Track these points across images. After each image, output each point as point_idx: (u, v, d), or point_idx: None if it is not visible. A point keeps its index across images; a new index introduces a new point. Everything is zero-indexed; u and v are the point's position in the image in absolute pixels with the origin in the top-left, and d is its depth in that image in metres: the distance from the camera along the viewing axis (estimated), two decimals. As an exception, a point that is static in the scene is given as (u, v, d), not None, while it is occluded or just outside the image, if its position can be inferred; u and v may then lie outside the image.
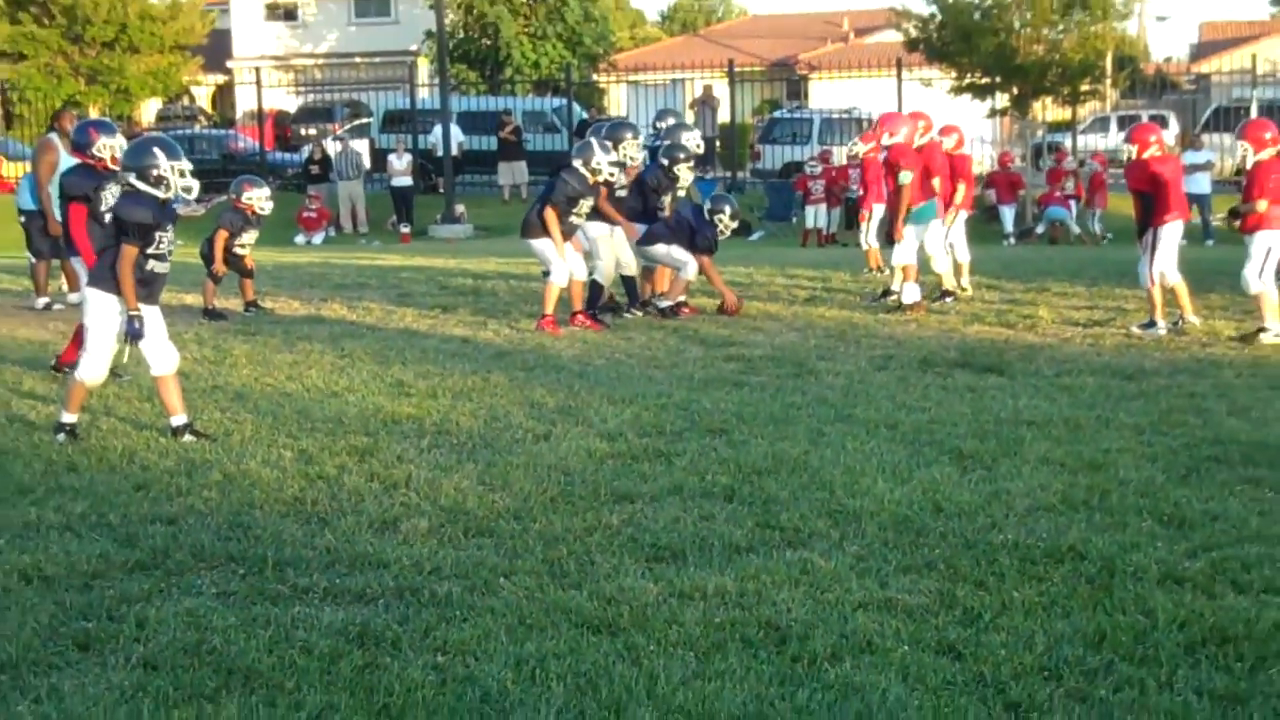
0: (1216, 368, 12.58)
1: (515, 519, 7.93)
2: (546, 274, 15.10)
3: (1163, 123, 47.71)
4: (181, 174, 10.02)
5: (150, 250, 9.98)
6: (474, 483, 8.70)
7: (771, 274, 19.78)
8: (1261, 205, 13.18)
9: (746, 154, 42.07)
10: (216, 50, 62.07)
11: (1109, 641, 6.03)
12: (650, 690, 5.53)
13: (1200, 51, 63.60)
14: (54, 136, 17.20)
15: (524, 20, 51.85)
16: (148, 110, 56.46)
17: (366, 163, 37.04)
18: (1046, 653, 5.92)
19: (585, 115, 43.43)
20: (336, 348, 13.76)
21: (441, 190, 35.79)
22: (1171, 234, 14.70)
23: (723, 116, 44.52)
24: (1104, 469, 8.92)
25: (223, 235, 15.82)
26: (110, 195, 11.75)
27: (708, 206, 16.62)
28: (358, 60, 61.75)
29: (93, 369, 10.11)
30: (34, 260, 17.29)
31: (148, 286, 10.09)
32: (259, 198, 16.15)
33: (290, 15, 66.96)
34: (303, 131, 47.85)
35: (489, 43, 51.93)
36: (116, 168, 11.66)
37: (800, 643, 6.03)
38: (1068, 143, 39.77)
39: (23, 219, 17.37)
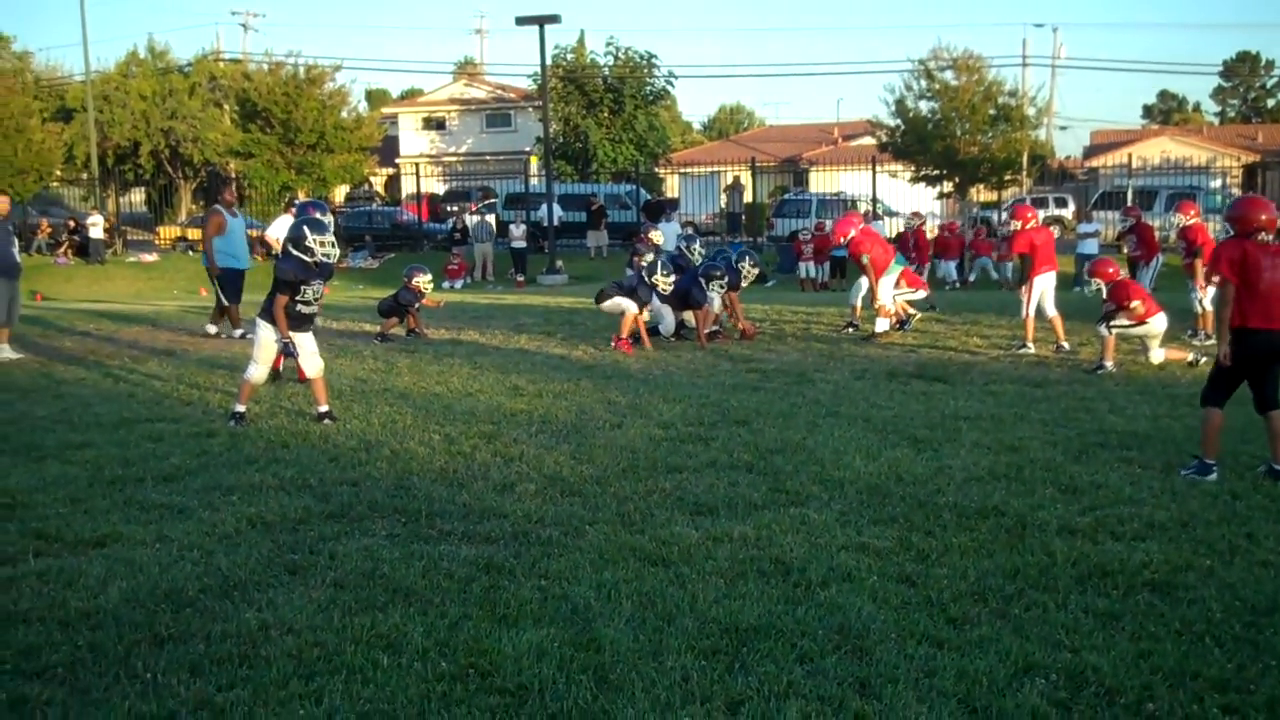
0: (1101, 379, 12.50)
1: (597, 484, 7.94)
2: (623, 313, 15.16)
3: (1063, 203, 47.60)
4: (321, 244, 10.06)
5: (298, 297, 10.12)
6: (568, 458, 8.71)
7: (780, 310, 19.73)
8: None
9: (764, 225, 41.96)
10: (388, 150, 62.64)
11: (1021, 574, 6.01)
12: (692, 606, 5.55)
13: (1091, 151, 63.02)
14: (219, 207, 16.97)
15: (606, 129, 51.83)
16: (339, 194, 56.82)
17: (494, 230, 37.17)
18: (977, 582, 5.90)
19: (649, 197, 43.51)
20: (471, 362, 13.80)
21: (547, 250, 35.85)
22: (1043, 282, 14.71)
23: (747, 198, 44.41)
24: (1019, 451, 8.87)
25: (413, 311, 16.71)
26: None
27: (735, 258, 16.62)
28: (487, 158, 62.07)
29: (257, 373, 10.36)
30: (227, 304, 16.76)
31: (299, 320, 10.23)
32: (424, 281, 16.55)
33: (440, 125, 67.33)
34: (449, 208, 48.00)
35: (580, 145, 51.96)
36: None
37: (800, 573, 6.04)
38: (994, 217, 39.46)
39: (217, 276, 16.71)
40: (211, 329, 16.88)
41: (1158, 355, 13.33)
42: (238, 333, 16.58)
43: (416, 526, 6.96)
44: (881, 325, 16.10)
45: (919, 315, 17.56)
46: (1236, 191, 43.69)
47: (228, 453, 9.00)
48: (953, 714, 4.54)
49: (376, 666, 4.91)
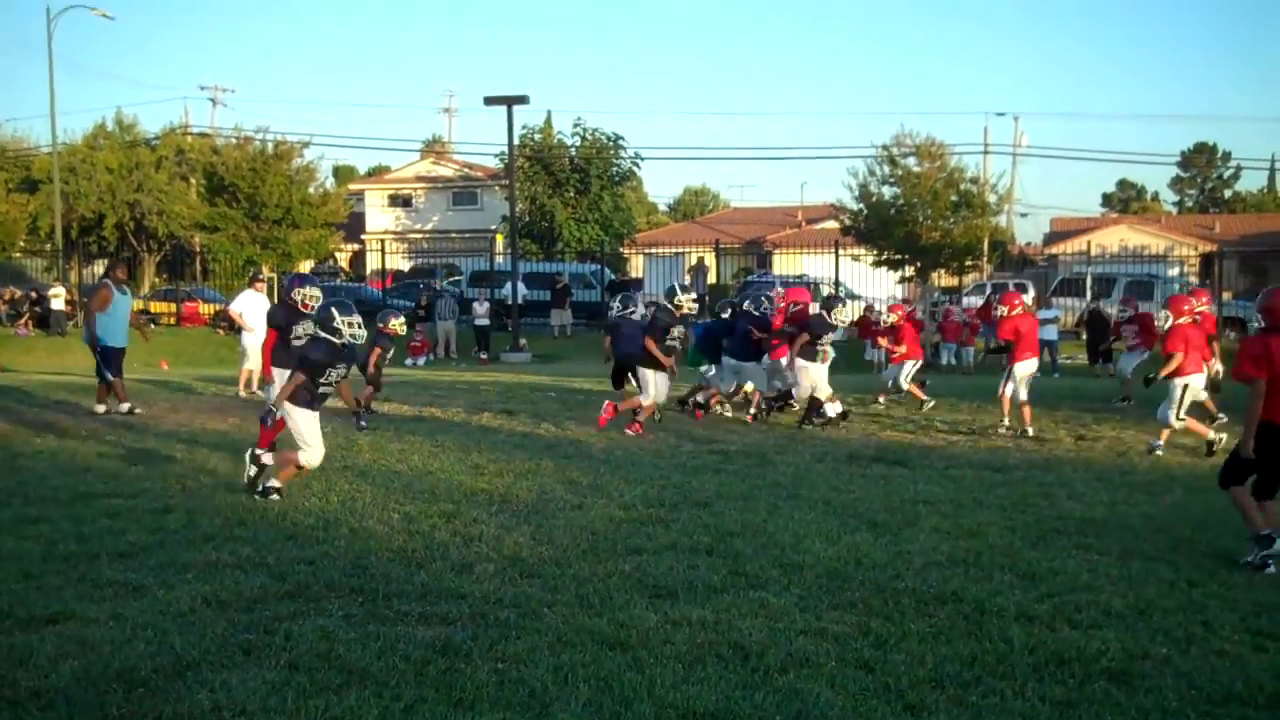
0: (1059, 465, 12.58)
1: (556, 565, 7.91)
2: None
3: (1023, 289, 48.13)
4: (349, 325, 9.94)
5: (321, 380, 9.96)
6: (528, 539, 8.68)
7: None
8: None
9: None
10: (354, 226, 62.72)
11: (979, 662, 6.01)
12: (650, 691, 5.52)
13: (1051, 238, 63.74)
14: (109, 282, 16.94)
15: (571, 209, 52.23)
16: (304, 268, 56.80)
17: (457, 308, 37.17)
18: (935, 669, 5.89)
19: (614, 276, 43.72)
20: (432, 439, 13.76)
21: (510, 328, 35.90)
22: (1023, 369, 14.89)
23: (711, 279, 44.67)
24: (978, 536, 8.90)
25: (377, 352, 15.60)
26: (301, 329, 11.84)
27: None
28: (453, 235, 62.23)
29: (315, 455, 10.05)
30: (110, 380, 16.40)
31: (314, 401, 10.03)
32: (397, 324, 15.82)
33: (406, 203, 67.59)
34: (419, 285, 48.05)
35: (546, 224, 52.31)
36: (308, 311, 11.76)
37: (758, 658, 6.01)
38: (954, 303, 39.79)
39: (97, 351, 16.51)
40: (100, 408, 16.33)
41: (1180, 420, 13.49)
42: (124, 407, 16.34)
43: (373, 607, 6.90)
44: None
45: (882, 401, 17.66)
46: (1194, 280, 44.28)
47: (184, 529, 8.91)
48: (909, 803, 4.52)
49: (330, 750, 4.85)
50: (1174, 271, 45.47)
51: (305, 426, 10.01)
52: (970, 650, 6.18)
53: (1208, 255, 50.49)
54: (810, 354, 15.45)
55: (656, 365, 14.76)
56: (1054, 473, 12.05)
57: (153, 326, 26.74)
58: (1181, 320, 13.32)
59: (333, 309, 10.08)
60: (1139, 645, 6.32)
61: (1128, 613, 6.96)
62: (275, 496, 9.96)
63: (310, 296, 12.00)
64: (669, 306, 15.05)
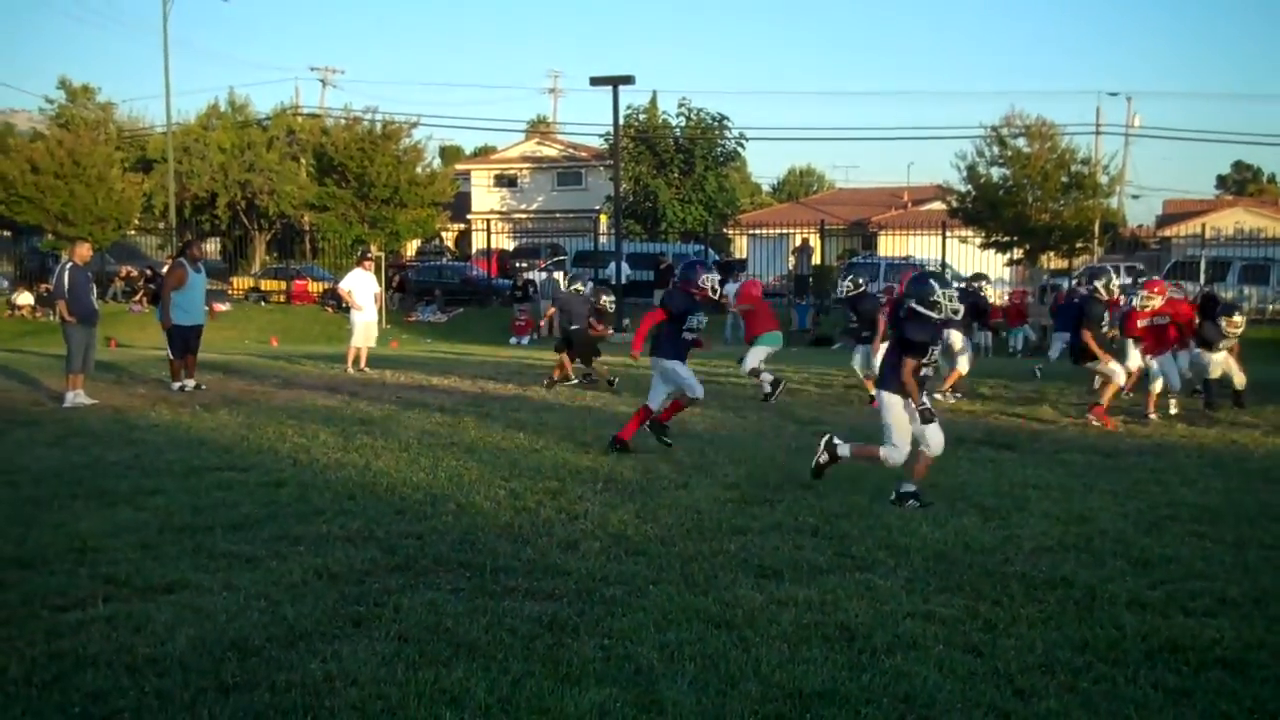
0: (1172, 450, 12.35)
1: (661, 544, 7.92)
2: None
3: (1135, 272, 47.25)
4: (950, 299, 9.23)
5: (924, 360, 9.34)
6: (633, 517, 8.70)
7: (849, 374, 19.64)
8: None
9: (832, 288, 41.90)
10: (460, 206, 63.27)
11: (1090, 648, 5.92)
12: (756, 670, 5.51)
13: (1164, 220, 62.57)
14: (184, 261, 17.17)
15: (675, 189, 52.20)
16: (411, 248, 57.35)
17: (562, 287, 37.34)
18: (1045, 654, 5.81)
19: (718, 257, 43.61)
20: (537, 418, 13.85)
21: (614, 308, 36.02)
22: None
23: (815, 260, 44.40)
24: (1089, 522, 8.76)
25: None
26: (695, 321, 11.82)
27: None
28: (557, 215, 62.56)
29: (897, 454, 9.34)
30: (173, 358, 16.97)
31: (921, 385, 9.43)
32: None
33: (511, 183, 67.99)
34: (518, 265, 48.38)
35: (650, 205, 52.34)
36: (715, 298, 11.82)
37: (864, 640, 5.97)
38: (1065, 285, 39.18)
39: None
40: (175, 385, 16.76)
41: None
42: (190, 384, 16.74)
43: (481, 581, 6.96)
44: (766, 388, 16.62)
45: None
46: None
47: (296, 503, 9.07)
48: (1019, 788, 4.47)
49: (439, 721, 4.91)
50: (1292, 255, 44.34)
51: (898, 420, 9.35)
52: (1081, 636, 6.09)
53: (1327, 239, 49.16)
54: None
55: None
56: (1166, 458, 11.83)
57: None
58: None
59: (931, 282, 9.40)
60: (1255, 634, 6.18)
61: (1243, 601, 6.81)
62: (912, 502, 9.27)
63: (716, 281, 11.83)
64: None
